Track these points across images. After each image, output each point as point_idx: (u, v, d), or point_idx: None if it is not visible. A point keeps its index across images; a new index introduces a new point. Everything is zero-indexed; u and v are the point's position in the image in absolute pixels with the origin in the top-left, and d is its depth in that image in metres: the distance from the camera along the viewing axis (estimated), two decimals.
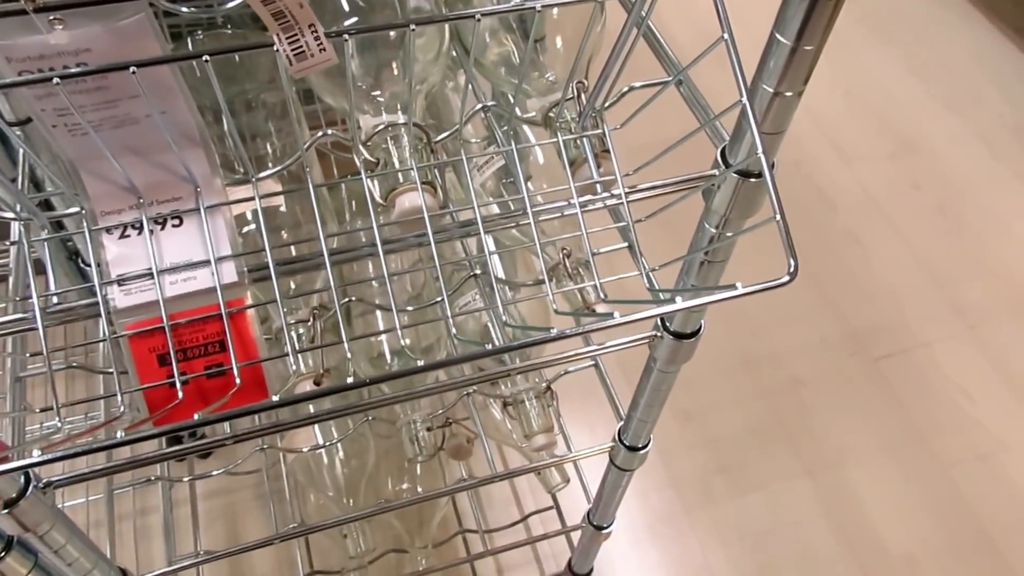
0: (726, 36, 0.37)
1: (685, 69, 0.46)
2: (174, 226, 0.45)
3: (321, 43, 0.39)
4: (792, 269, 0.36)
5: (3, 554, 0.51)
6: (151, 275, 0.44)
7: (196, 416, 0.42)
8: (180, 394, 0.45)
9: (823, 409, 1.27)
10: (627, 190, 0.46)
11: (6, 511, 0.47)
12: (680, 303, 0.37)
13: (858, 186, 1.57)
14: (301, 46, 0.39)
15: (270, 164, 0.64)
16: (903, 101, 1.72)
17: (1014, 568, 1.12)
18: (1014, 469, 1.21)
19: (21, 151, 0.54)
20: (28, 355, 0.55)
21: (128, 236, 0.45)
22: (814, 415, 1.27)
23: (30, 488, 0.47)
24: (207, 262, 0.44)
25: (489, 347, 0.46)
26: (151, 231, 0.44)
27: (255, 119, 0.65)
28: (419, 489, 0.91)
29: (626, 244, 0.62)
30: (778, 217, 0.36)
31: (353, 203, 0.79)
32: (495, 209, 0.72)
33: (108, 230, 0.44)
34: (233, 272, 0.46)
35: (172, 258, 0.45)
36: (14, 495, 0.46)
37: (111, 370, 0.46)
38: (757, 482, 1.20)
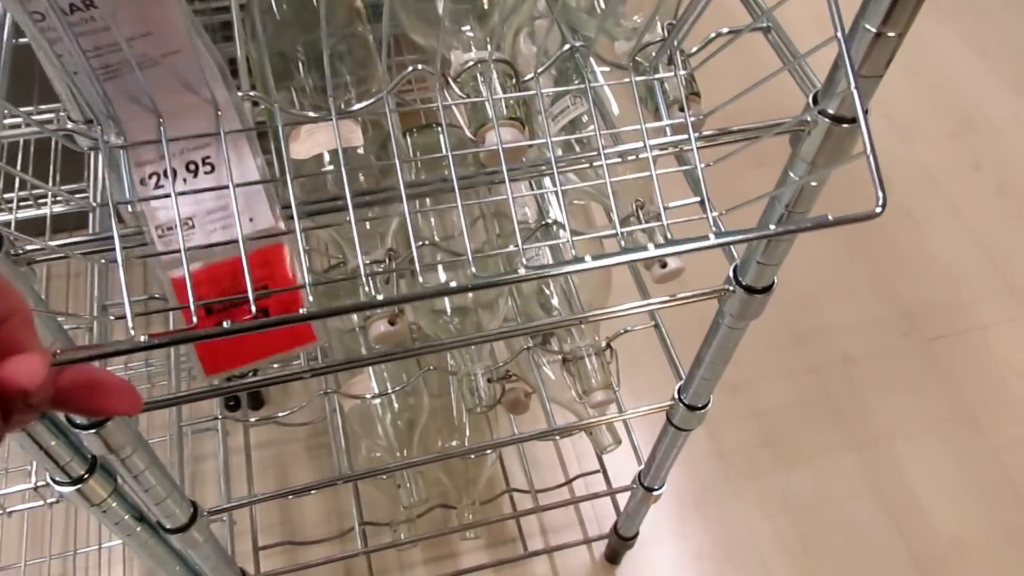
0: None
1: (773, 9, 0.45)
2: (207, 173, 0.44)
3: None
4: (882, 201, 0.35)
5: (87, 475, 0.53)
6: (188, 225, 0.43)
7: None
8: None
9: (873, 387, 1.26)
10: (713, 132, 0.45)
11: (94, 431, 0.48)
12: (774, 228, 0.37)
13: (915, 164, 1.54)
14: None
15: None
16: (965, 79, 1.68)
17: None
18: None
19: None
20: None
21: (162, 187, 0.43)
22: (864, 393, 1.25)
23: None
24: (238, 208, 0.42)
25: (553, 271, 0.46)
26: (184, 179, 0.43)
27: (331, 67, 0.65)
28: (467, 446, 0.92)
29: (698, 200, 0.61)
30: (869, 151, 0.35)
31: (419, 156, 0.79)
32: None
33: (142, 181, 0.42)
34: (268, 217, 0.45)
35: (208, 206, 0.43)
36: (101, 417, 0.48)
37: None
38: (803, 456, 1.19)
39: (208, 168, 0.44)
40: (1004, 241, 1.43)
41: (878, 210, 0.35)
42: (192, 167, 0.44)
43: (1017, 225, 1.46)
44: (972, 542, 1.11)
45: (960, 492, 1.16)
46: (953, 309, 1.35)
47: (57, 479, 0.52)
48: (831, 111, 0.44)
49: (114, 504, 0.56)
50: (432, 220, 0.82)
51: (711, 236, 0.39)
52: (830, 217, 0.36)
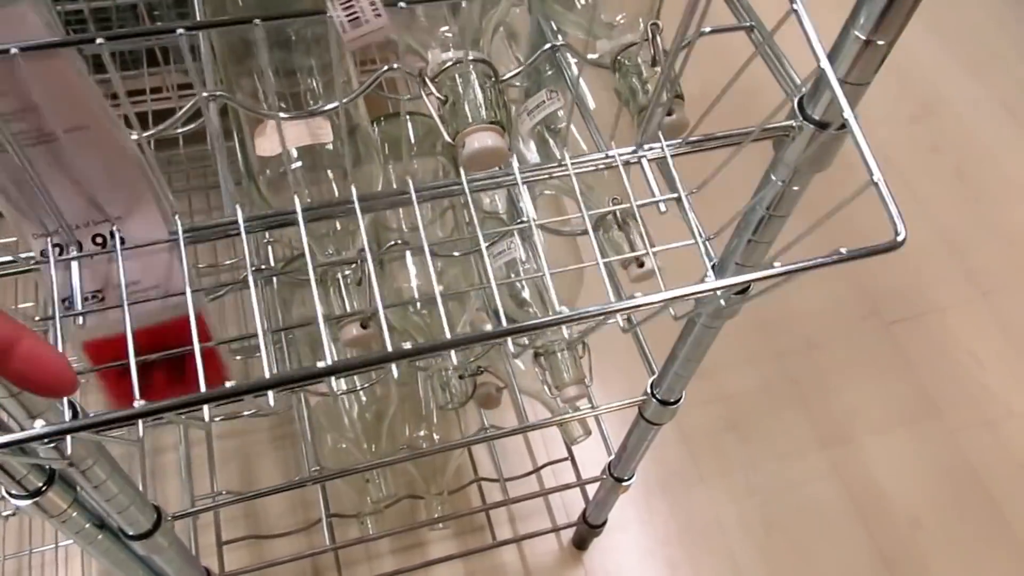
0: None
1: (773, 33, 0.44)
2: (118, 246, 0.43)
3: (376, 8, 0.37)
4: (902, 235, 0.34)
5: (45, 488, 0.50)
6: (98, 298, 0.42)
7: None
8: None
9: (835, 371, 1.28)
10: (699, 138, 0.44)
11: (52, 444, 0.46)
12: (778, 267, 0.36)
13: (875, 146, 1.54)
14: (356, 12, 0.37)
15: (310, 101, 0.62)
16: (924, 63, 1.70)
17: (1018, 534, 1.14)
18: (1021, 435, 1.22)
19: None
20: None
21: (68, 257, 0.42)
22: (826, 377, 1.27)
23: None
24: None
25: (537, 317, 0.45)
26: (91, 255, 0.42)
27: (295, 53, 0.62)
28: (436, 436, 0.91)
29: (675, 196, 0.61)
30: (876, 177, 0.34)
31: (386, 146, 0.77)
32: (535, 157, 0.70)
33: (43, 252, 0.41)
34: (180, 285, 0.43)
35: (116, 280, 0.43)
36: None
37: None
38: (768, 441, 1.20)
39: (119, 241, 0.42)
40: (961, 224, 1.46)
41: (901, 238, 0.34)
42: (99, 240, 0.41)
43: (974, 208, 1.48)
44: (930, 523, 1.14)
45: (918, 474, 1.19)
46: (911, 292, 1.38)
47: (13, 492, 0.50)
48: (817, 117, 0.44)
49: (75, 514, 0.54)
50: (400, 210, 0.80)
51: (709, 277, 0.38)
52: (844, 251, 0.35)
